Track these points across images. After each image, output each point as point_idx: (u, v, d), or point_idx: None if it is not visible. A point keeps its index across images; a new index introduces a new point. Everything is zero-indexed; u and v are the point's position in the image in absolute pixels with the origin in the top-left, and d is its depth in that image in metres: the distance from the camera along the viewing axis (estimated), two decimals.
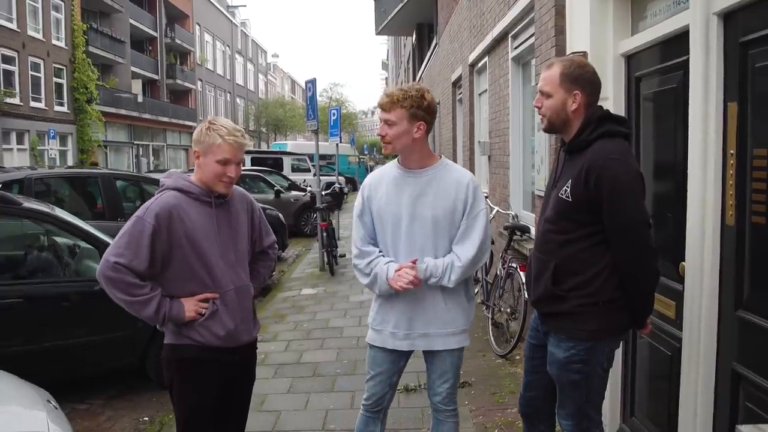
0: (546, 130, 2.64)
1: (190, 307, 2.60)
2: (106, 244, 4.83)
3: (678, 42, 2.80)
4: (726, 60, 2.46)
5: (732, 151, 2.44)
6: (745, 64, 2.35)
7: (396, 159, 2.88)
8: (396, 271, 2.69)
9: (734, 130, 2.42)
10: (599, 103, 2.55)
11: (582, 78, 2.44)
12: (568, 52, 3.86)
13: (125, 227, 2.54)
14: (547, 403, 2.79)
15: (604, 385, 2.61)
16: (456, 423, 2.95)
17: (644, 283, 2.42)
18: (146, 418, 4.60)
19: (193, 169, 2.87)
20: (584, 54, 3.55)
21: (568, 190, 2.40)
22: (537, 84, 2.62)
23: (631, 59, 3.37)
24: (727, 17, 2.45)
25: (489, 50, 7.20)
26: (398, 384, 3.04)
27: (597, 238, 2.40)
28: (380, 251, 2.82)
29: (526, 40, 5.53)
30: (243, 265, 2.78)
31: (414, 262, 2.68)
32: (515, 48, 5.98)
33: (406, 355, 2.92)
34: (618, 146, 2.38)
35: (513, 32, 5.95)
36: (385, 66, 57.83)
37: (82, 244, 4.99)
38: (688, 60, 2.66)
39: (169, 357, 2.70)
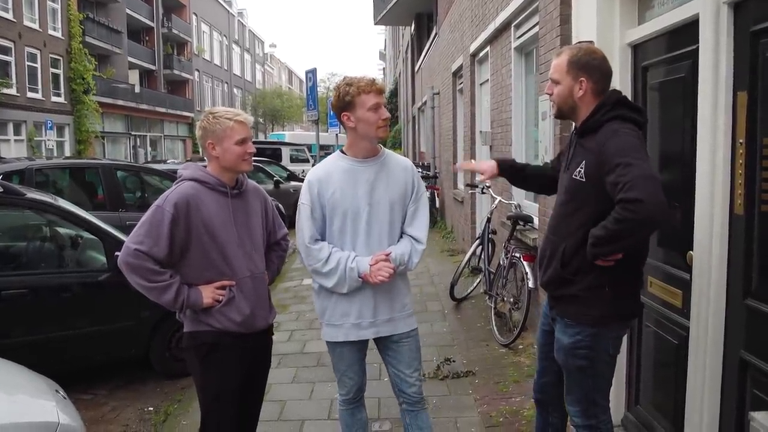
0: (556, 116, 2.70)
1: (207, 294, 2.67)
2: (110, 235, 4.85)
3: (687, 31, 2.79)
4: (736, 49, 2.45)
5: (741, 141, 2.44)
6: (756, 53, 2.34)
7: (339, 151, 2.89)
8: (371, 264, 2.71)
9: (744, 120, 2.42)
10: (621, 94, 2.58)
11: (589, 65, 2.47)
12: (573, 42, 3.85)
13: (145, 216, 2.61)
14: (560, 390, 2.82)
15: (612, 370, 2.64)
16: (427, 407, 2.99)
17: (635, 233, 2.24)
18: (151, 408, 4.61)
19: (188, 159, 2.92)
20: (590, 44, 3.54)
21: (582, 170, 2.43)
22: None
23: (637, 49, 3.36)
24: (738, 6, 2.44)
25: (491, 40, 7.17)
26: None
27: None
28: (332, 246, 2.78)
29: (529, 29, 5.50)
30: (259, 253, 2.86)
31: (387, 255, 2.73)
32: (518, 37, 5.95)
33: (368, 340, 2.93)
34: (629, 127, 2.38)
35: (516, 21, 5.92)
36: (382, 56, 57.59)
37: (86, 234, 4.99)
38: (697, 49, 2.65)
39: (189, 344, 2.77)
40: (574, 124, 2.62)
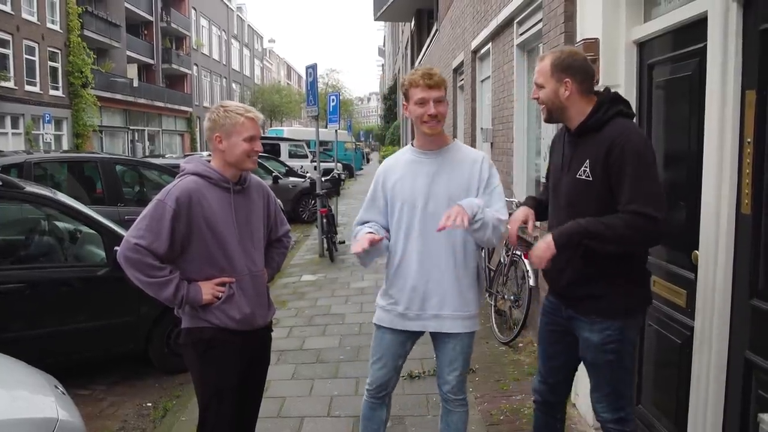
0: (546, 120, 2.70)
1: (207, 290, 2.64)
2: (109, 229, 4.82)
3: (694, 29, 2.77)
4: (745, 48, 2.43)
5: (749, 140, 2.42)
6: (765, 51, 2.32)
7: (411, 144, 2.90)
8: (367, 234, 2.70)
9: (752, 119, 2.40)
10: (612, 90, 2.61)
11: (572, 66, 2.51)
12: (578, 39, 3.83)
13: (146, 210, 2.57)
14: (566, 390, 2.85)
15: (634, 361, 2.68)
16: (465, 412, 2.95)
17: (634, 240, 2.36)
18: (149, 404, 4.59)
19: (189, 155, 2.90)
20: (595, 41, 3.52)
21: (587, 170, 2.44)
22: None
23: (643, 46, 3.34)
24: (747, 4, 2.42)
25: (493, 36, 7.15)
26: (402, 370, 3.03)
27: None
28: (374, 224, 2.85)
29: (533, 26, 5.47)
30: (259, 250, 2.82)
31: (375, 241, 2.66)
32: (521, 34, 5.92)
33: (414, 337, 2.91)
34: (634, 124, 2.47)
35: (519, 18, 5.89)
36: (381, 52, 57.54)
37: (85, 229, 4.96)
38: (704, 47, 2.63)
39: (187, 340, 2.74)
40: (564, 125, 2.63)
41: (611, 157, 2.36)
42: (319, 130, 10.95)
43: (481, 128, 8.30)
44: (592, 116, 2.48)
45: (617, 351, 2.52)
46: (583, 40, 3.61)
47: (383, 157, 17.15)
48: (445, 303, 2.78)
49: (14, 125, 25.22)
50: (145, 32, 38.27)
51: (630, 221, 2.29)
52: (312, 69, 10.54)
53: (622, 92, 3.35)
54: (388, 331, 2.87)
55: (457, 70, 10.62)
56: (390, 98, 33.95)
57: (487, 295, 6.26)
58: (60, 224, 5.12)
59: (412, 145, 2.89)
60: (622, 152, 2.33)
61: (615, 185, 2.36)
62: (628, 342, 2.55)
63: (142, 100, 34.72)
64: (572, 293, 2.60)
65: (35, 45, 25.95)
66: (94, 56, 29.76)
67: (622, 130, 2.39)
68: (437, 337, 2.88)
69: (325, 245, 9.87)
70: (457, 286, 2.79)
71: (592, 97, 2.53)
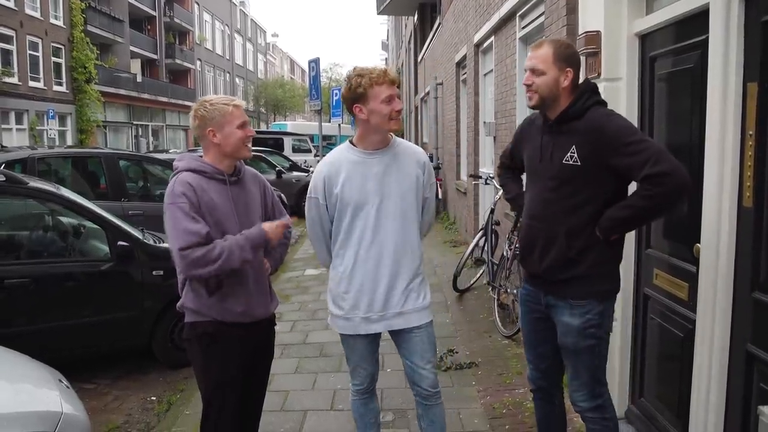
0: (535, 107, 2.68)
1: (269, 227, 2.68)
2: (112, 224, 4.83)
3: (696, 21, 2.76)
4: (747, 40, 2.42)
5: (751, 132, 2.41)
6: (767, 43, 2.32)
7: (348, 142, 2.83)
8: None
9: (754, 111, 2.39)
10: (607, 83, 2.79)
11: (573, 57, 2.59)
12: (580, 32, 3.81)
13: (166, 221, 2.56)
14: (559, 373, 2.88)
15: (608, 348, 2.73)
16: (442, 402, 2.94)
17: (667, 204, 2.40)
18: (153, 398, 4.61)
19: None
20: (597, 33, 3.51)
21: (574, 155, 2.49)
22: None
23: (645, 39, 3.32)
24: None
25: (495, 30, 7.13)
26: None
27: (605, 198, 2.49)
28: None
29: (535, 19, 5.46)
30: None
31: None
32: (523, 27, 5.91)
33: (380, 333, 2.89)
34: (613, 111, 2.58)
35: (521, 11, 5.88)
36: (385, 46, 57.40)
37: (88, 224, 4.98)
38: (706, 40, 2.62)
39: (190, 335, 2.75)
40: (545, 115, 2.65)
41: (599, 140, 2.43)
42: (323, 124, 10.97)
43: (484, 122, 8.28)
44: (573, 104, 2.54)
45: (596, 336, 2.60)
46: (585, 32, 3.60)
47: None
48: (408, 299, 2.79)
49: (18, 121, 25.28)
50: (149, 27, 38.27)
51: (647, 190, 2.33)
52: (314, 63, 10.56)
53: (624, 85, 3.37)
54: (357, 337, 2.84)
55: (460, 64, 10.59)
56: None
57: (490, 288, 6.27)
58: (64, 219, 5.14)
59: (351, 144, 2.79)
60: (608, 131, 2.42)
61: (620, 168, 2.41)
62: (605, 326, 2.63)
63: (145, 96, 34.75)
64: (552, 277, 2.63)
65: (39, 41, 25.99)
66: (98, 52, 29.80)
67: (600, 114, 2.50)
68: (400, 335, 2.85)
69: None
70: (415, 280, 2.81)
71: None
